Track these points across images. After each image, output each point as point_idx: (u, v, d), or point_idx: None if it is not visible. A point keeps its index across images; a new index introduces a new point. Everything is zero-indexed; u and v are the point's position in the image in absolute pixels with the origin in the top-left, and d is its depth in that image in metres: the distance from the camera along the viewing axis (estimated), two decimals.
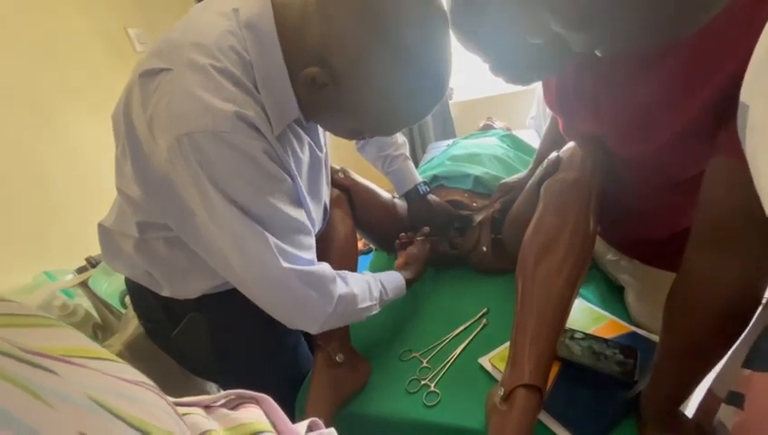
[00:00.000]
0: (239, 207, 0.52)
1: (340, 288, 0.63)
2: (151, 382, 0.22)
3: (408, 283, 0.81)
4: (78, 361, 0.18)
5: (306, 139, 0.66)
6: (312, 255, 0.61)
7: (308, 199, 0.64)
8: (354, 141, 1.04)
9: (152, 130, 0.51)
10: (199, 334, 0.69)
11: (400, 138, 1.04)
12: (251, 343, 0.71)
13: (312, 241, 0.61)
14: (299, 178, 0.62)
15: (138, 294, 0.70)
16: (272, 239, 0.54)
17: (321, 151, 0.70)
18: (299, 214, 0.59)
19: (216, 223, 0.53)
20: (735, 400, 0.44)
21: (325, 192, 0.76)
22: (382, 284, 0.73)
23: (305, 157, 0.65)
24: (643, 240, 0.77)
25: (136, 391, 0.20)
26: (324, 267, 0.61)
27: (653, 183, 0.64)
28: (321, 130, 0.72)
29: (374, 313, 0.71)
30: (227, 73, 0.50)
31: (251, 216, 0.53)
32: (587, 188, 0.64)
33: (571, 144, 0.70)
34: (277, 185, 0.56)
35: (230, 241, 0.53)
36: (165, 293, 0.65)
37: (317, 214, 0.68)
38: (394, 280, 0.78)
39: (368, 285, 0.69)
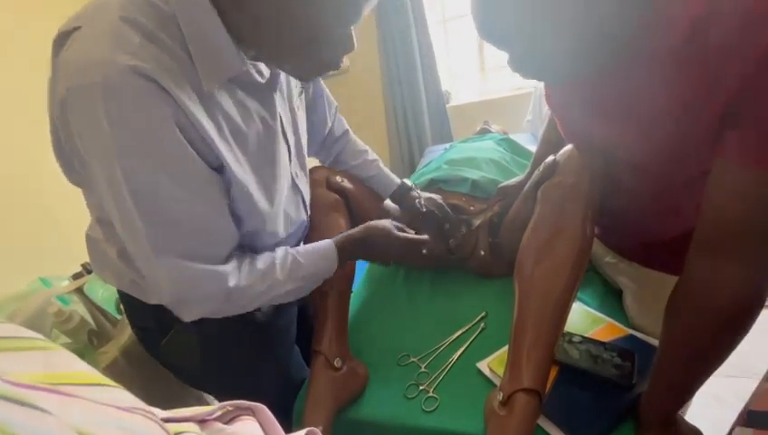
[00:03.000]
0: (121, 177, 0.47)
1: (233, 282, 0.57)
2: (145, 406, 0.22)
3: (345, 254, 0.71)
4: (70, 389, 0.18)
5: (255, 109, 0.58)
6: (222, 250, 0.55)
7: (254, 180, 0.58)
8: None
9: (54, 90, 0.48)
10: (187, 346, 0.68)
11: (363, 145, 0.99)
12: (239, 355, 0.70)
13: (216, 237, 0.55)
14: (234, 156, 0.54)
15: (128, 302, 0.70)
16: (146, 228, 0.49)
17: (274, 121, 0.62)
18: (201, 200, 0.52)
19: (105, 190, 0.49)
20: (759, 420, 0.42)
21: (301, 179, 0.71)
22: (293, 265, 0.65)
23: (252, 131, 0.58)
24: (642, 243, 0.77)
25: (129, 421, 0.20)
26: (219, 271, 0.56)
27: (653, 186, 0.63)
28: (278, 98, 0.64)
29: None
30: (137, 25, 0.46)
31: (133, 190, 0.48)
32: (584, 192, 0.64)
33: (568, 147, 0.70)
34: (176, 162, 0.49)
35: (114, 213, 0.50)
36: (153, 301, 0.64)
37: (261, 194, 0.60)
38: (314, 262, 0.67)
39: (272, 282, 0.63)
